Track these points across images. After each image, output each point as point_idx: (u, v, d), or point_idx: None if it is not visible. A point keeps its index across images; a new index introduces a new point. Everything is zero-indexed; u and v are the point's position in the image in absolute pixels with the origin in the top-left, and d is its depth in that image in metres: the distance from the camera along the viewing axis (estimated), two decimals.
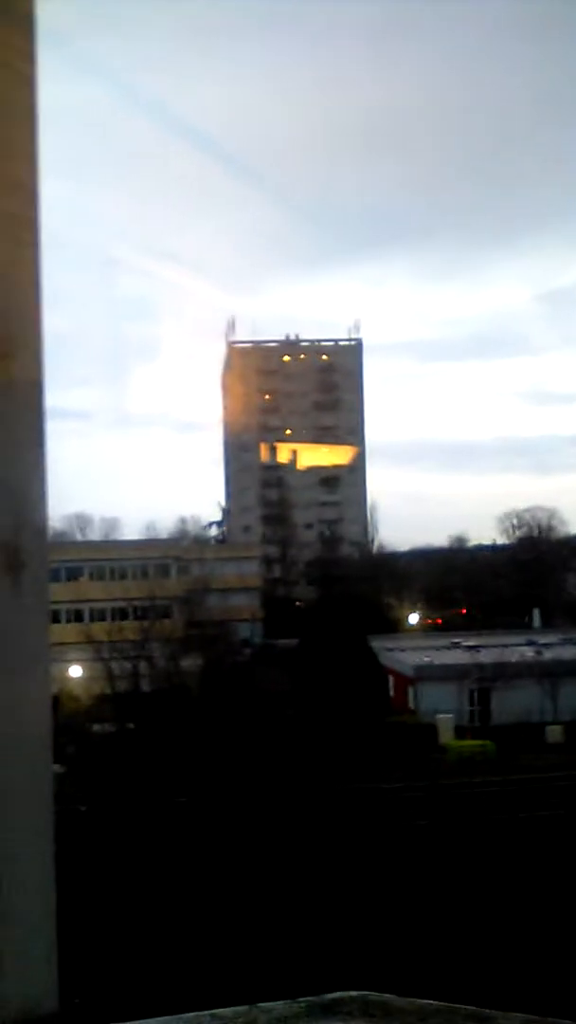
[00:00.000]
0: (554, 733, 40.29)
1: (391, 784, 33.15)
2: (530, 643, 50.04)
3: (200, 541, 77.07)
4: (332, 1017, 1.81)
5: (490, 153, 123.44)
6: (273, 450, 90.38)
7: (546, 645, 49.05)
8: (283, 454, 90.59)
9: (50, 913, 1.55)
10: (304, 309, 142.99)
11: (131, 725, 39.07)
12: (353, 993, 1.87)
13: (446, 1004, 1.83)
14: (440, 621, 65.11)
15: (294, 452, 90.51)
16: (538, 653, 47.59)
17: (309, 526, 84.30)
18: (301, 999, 1.85)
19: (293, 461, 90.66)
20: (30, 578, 1.47)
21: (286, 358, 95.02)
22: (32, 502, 1.50)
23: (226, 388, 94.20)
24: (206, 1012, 1.79)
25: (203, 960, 17.32)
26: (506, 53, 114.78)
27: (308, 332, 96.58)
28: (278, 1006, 1.83)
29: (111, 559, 58.62)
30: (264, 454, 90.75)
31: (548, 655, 46.79)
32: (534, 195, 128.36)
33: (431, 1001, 1.85)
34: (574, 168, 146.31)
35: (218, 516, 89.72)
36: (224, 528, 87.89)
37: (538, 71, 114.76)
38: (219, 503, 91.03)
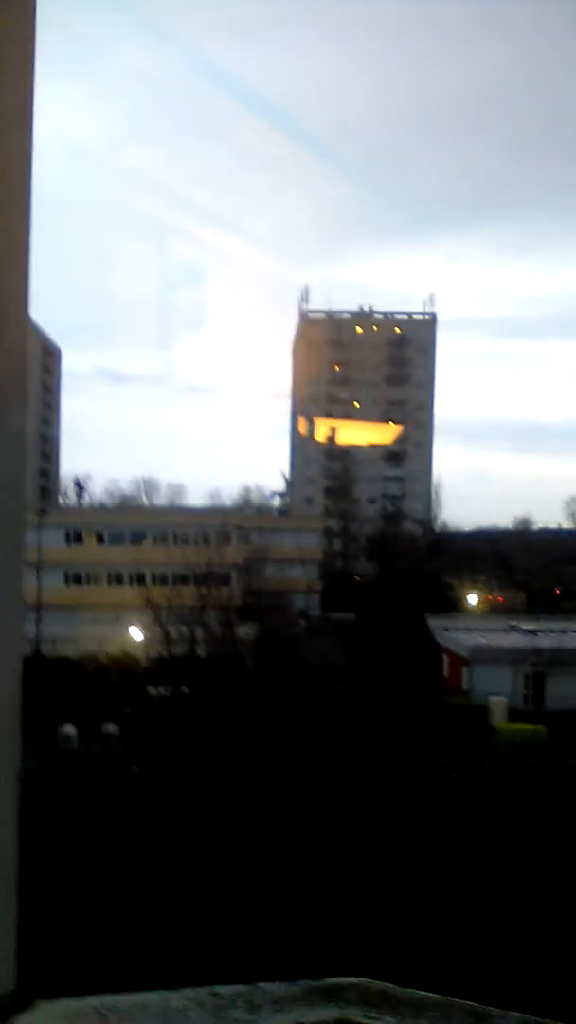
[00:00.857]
0: None
1: (438, 763, 33.29)
2: None
3: (262, 511, 77.48)
4: (330, 1002, 1.81)
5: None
6: (340, 423, 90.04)
7: None
8: (348, 428, 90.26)
9: (11, 904, 1.61)
10: (379, 282, 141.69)
11: (185, 689, 39.64)
12: (353, 980, 1.88)
13: (445, 998, 1.83)
14: (501, 601, 64.75)
15: (358, 426, 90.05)
16: None
17: (372, 501, 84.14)
18: (301, 982, 1.86)
19: (357, 435, 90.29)
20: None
21: (358, 330, 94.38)
22: (9, 488, 1.49)
23: (297, 358, 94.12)
24: (205, 988, 1.81)
25: (231, 926, 17.61)
26: None
27: (382, 305, 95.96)
28: (277, 987, 1.84)
29: (174, 524, 59.31)
30: (330, 426, 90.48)
31: None
32: None
33: (431, 993, 1.85)
34: None
35: (282, 486, 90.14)
36: (287, 499, 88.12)
37: None
38: (283, 473, 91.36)
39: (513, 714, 41.44)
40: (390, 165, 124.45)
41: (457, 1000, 1.83)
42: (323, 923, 17.62)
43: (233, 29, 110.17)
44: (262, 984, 1.85)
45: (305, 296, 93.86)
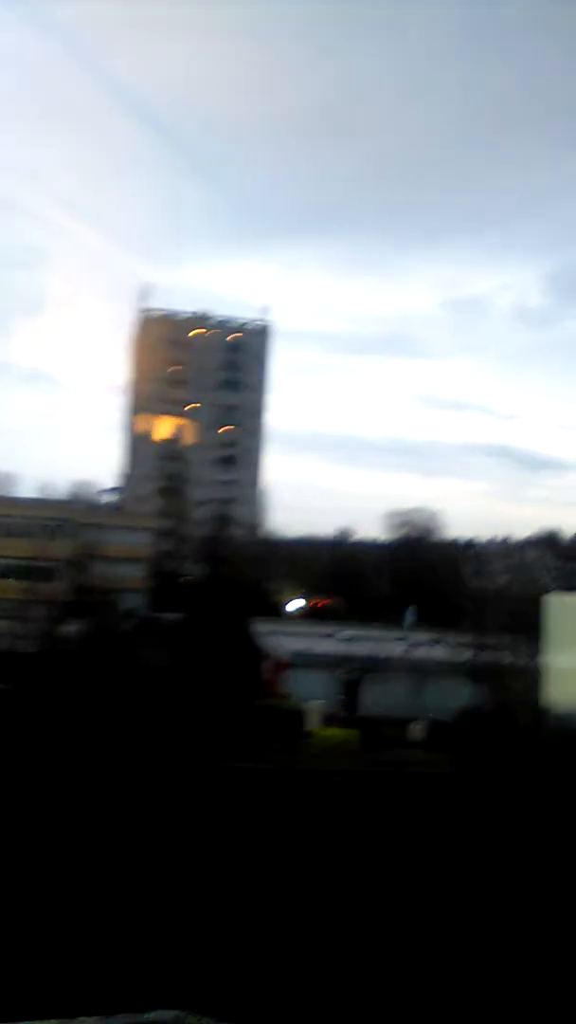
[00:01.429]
0: (416, 730, 42.03)
1: (250, 765, 34.23)
2: (402, 640, 51.77)
3: (94, 506, 76.84)
4: None
5: (420, 157, 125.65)
6: (173, 423, 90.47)
7: (417, 644, 50.86)
8: (184, 429, 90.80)
9: None
10: (218, 286, 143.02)
11: (7, 685, 39.25)
12: (172, 1013, 1.81)
13: None
14: (320, 609, 66.74)
15: (193, 428, 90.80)
16: (409, 651, 49.37)
17: (203, 503, 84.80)
18: (119, 1015, 1.78)
19: (192, 436, 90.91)
20: None
21: (195, 332, 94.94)
22: None
23: (133, 355, 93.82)
24: (22, 1023, 1.81)
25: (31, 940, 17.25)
26: (451, 60, 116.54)
27: (219, 309, 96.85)
28: (97, 1021, 1.77)
29: (1, 515, 58.12)
30: (164, 426, 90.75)
31: (418, 653, 48.58)
32: (456, 204, 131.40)
33: None
34: (495, 184, 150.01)
35: (115, 483, 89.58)
36: (120, 496, 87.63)
37: (481, 80, 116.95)
38: (116, 470, 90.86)
39: (329, 719, 42.86)
40: (243, 170, 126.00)
41: None
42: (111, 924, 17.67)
43: (106, 20, 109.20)
44: (80, 1018, 1.76)
45: (146, 292, 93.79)
